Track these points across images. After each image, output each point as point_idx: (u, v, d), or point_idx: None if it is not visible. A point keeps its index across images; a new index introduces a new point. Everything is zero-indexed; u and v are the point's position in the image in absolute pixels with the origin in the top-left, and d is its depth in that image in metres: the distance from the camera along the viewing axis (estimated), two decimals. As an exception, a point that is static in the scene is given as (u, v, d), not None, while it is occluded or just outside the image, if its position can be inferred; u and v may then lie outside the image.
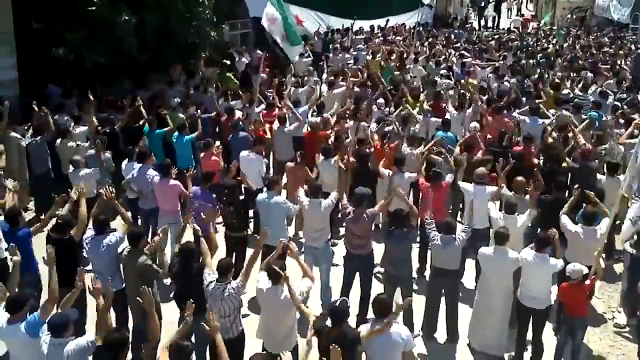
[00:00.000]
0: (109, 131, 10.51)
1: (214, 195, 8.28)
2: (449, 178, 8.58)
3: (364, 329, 5.54)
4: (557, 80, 14.68)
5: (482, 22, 32.59)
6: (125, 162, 9.18)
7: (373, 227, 7.64)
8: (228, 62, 16.67)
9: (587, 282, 6.53)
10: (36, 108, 10.67)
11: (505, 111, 11.80)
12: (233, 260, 7.38)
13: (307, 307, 5.81)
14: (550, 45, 22.54)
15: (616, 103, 12.82)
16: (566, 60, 19.07)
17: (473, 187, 8.28)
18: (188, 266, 6.22)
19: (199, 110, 11.94)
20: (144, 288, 5.31)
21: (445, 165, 9.18)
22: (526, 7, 42.28)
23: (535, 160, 9.71)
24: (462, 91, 13.51)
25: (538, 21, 34.48)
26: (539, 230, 7.66)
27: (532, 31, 28.36)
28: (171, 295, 6.77)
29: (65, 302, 5.47)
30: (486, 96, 13.03)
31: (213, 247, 6.38)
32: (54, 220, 6.97)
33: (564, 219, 7.43)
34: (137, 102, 11.25)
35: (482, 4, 32.63)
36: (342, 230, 8.68)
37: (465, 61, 17.26)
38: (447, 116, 11.52)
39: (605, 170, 9.30)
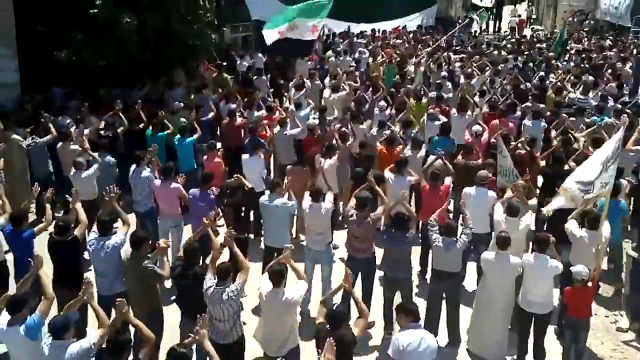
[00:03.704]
0: (111, 135, 10.50)
1: (213, 197, 8.25)
2: (447, 181, 8.56)
3: (401, 337, 5.41)
4: (558, 83, 14.65)
5: (484, 25, 32.61)
6: (133, 166, 8.99)
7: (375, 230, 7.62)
8: (225, 64, 16.65)
9: (589, 283, 6.53)
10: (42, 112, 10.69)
11: (510, 114, 11.78)
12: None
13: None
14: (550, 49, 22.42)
15: (618, 106, 12.79)
16: (567, 62, 19.02)
17: (475, 190, 8.24)
18: (190, 269, 6.19)
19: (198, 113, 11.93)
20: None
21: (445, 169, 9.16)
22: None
23: (543, 162, 9.70)
24: (463, 94, 13.46)
25: (539, 23, 34.45)
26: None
27: (532, 34, 28.30)
28: (172, 298, 6.76)
29: (67, 309, 5.45)
30: (487, 99, 13.02)
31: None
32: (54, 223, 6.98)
33: (571, 224, 7.33)
34: (138, 106, 11.27)
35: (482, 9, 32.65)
36: (343, 232, 8.66)
37: (466, 65, 17.23)
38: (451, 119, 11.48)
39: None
